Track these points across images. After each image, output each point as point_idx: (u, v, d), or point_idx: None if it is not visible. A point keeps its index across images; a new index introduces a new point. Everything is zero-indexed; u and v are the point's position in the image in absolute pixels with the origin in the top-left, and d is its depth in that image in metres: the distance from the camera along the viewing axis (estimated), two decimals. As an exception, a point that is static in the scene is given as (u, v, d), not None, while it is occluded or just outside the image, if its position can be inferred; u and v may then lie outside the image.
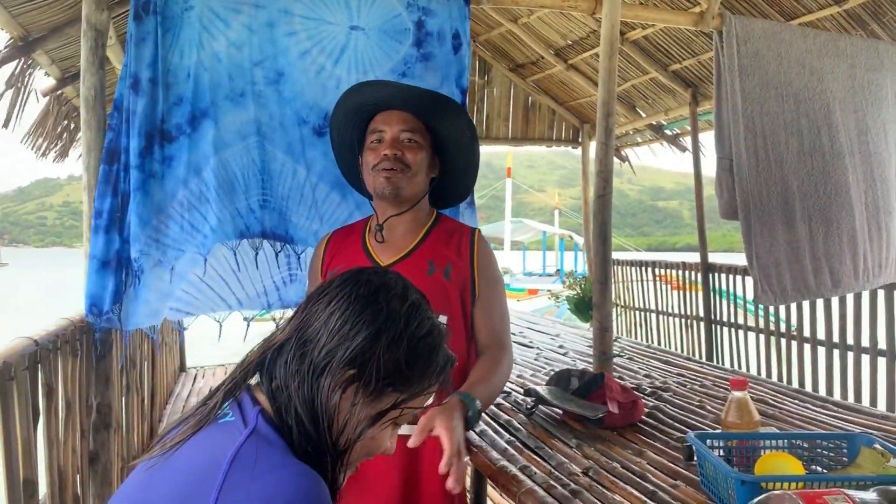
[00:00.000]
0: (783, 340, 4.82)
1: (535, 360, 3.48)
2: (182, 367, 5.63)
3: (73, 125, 4.79)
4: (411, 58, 2.44)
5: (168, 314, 2.38)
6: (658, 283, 6.78)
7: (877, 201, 3.66)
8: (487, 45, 6.43)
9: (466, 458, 1.49)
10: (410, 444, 1.42)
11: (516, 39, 6.12)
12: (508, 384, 2.33)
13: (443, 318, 1.77)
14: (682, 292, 6.29)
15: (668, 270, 6.45)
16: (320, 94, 2.34)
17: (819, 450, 1.69)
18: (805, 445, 1.69)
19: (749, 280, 3.93)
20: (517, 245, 29.73)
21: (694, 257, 5.99)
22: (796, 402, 2.54)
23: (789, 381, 4.64)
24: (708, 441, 1.67)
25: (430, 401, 1.05)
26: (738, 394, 1.80)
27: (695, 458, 1.76)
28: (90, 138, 2.09)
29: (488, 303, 1.84)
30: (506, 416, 2.32)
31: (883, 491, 1.16)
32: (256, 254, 2.38)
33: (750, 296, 3.81)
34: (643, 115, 6.16)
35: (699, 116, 5.38)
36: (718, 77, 3.39)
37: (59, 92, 4.05)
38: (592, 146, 6.92)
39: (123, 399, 2.91)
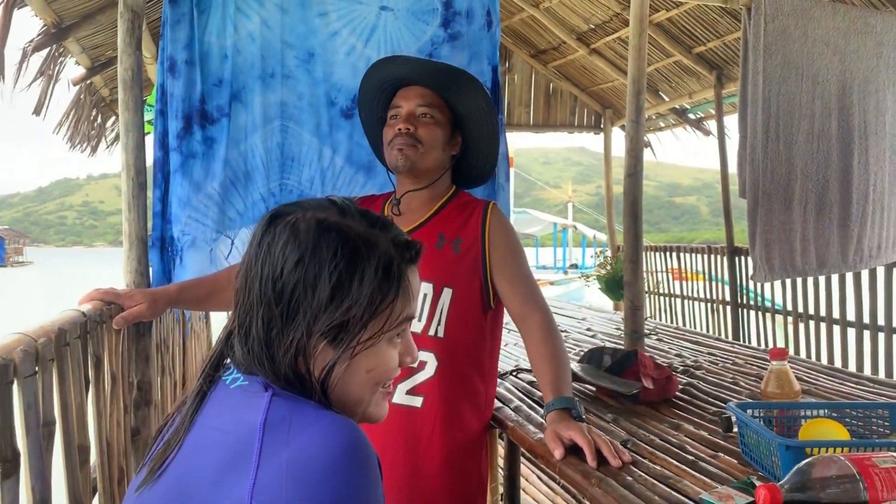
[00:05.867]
0: (812, 322, 4.79)
1: (564, 341, 3.47)
2: (209, 355, 5.70)
3: (101, 116, 4.84)
4: (438, 38, 2.44)
5: None
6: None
7: (885, 183, 3.64)
8: (508, 31, 6.42)
9: (602, 436, 1.62)
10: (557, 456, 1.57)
11: (538, 24, 6.11)
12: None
13: (448, 291, 1.80)
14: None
15: (688, 255, 6.43)
16: (350, 74, 2.34)
17: (860, 420, 1.66)
18: (854, 413, 1.66)
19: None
20: (528, 238, 27.38)
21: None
22: (832, 378, 2.52)
23: (818, 359, 4.62)
24: (749, 411, 1.65)
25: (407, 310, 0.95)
26: (777, 364, 1.80)
27: (734, 429, 1.76)
28: (128, 119, 2.10)
29: (509, 270, 1.86)
30: (539, 393, 2.32)
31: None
32: None
33: None
34: (666, 98, 6.14)
35: (724, 99, 5.34)
36: (745, 56, 3.36)
37: (89, 81, 4.10)
38: (615, 132, 6.93)
39: (159, 380, 2.95)
